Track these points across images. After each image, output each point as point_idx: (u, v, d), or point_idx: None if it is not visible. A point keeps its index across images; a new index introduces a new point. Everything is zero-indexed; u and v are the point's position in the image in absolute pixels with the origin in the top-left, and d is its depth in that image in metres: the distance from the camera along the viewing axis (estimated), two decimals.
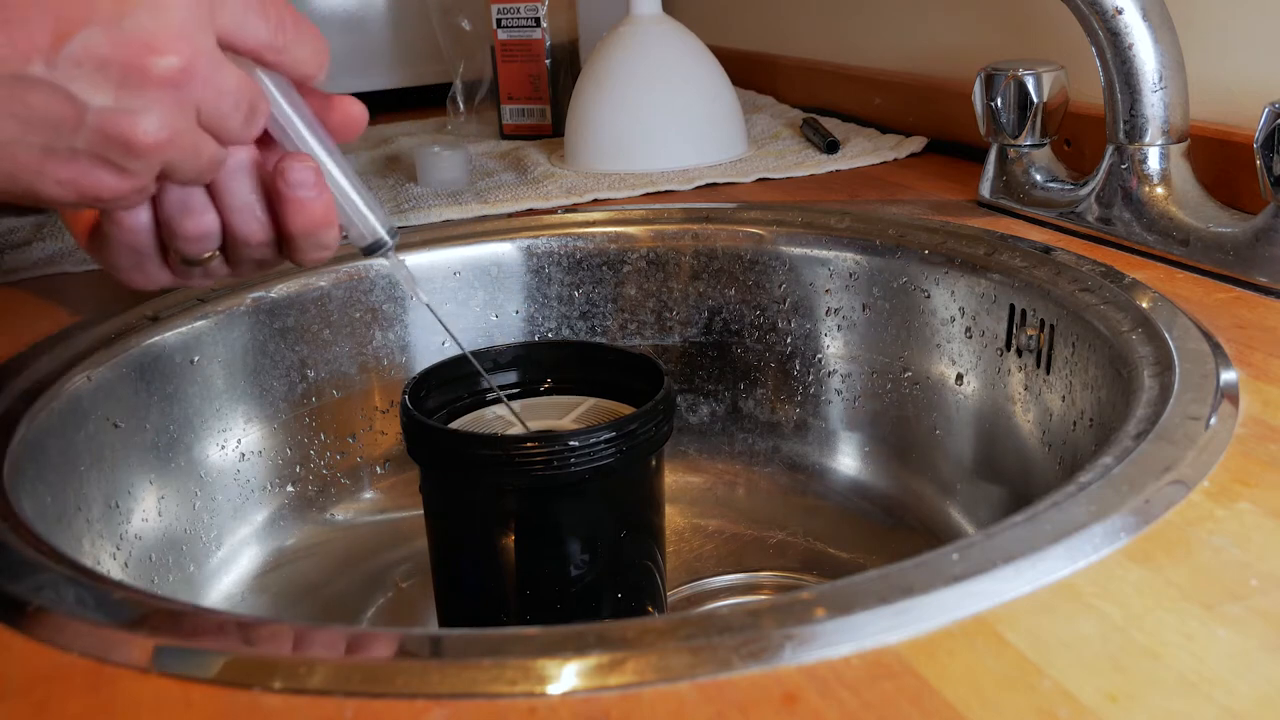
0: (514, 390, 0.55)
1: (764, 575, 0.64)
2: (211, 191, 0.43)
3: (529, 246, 0.74)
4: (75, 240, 0.49)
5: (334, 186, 0.45)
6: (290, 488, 0.68)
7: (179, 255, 0.45)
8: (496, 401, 0.54)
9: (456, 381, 0.54)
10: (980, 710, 0.28)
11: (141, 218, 0.43)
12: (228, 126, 0.41)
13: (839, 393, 0.71)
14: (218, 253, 0.45)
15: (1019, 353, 0.61)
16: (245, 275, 0.48)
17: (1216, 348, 0.48)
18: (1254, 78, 0.65)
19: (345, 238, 0.47)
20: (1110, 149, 0.62)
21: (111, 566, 0.54)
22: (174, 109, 0.38)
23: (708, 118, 0.90)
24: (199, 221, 0.43)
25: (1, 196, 0.39)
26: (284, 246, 0.46)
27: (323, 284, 0.69)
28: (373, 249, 0.47)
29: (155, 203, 0.43)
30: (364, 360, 0.71)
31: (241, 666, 0.31)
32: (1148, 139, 0.60)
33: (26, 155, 0.37)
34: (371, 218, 0.47)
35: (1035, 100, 0.68)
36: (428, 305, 0.50)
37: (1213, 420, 0.42)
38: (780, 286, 0.72)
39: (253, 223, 0.44)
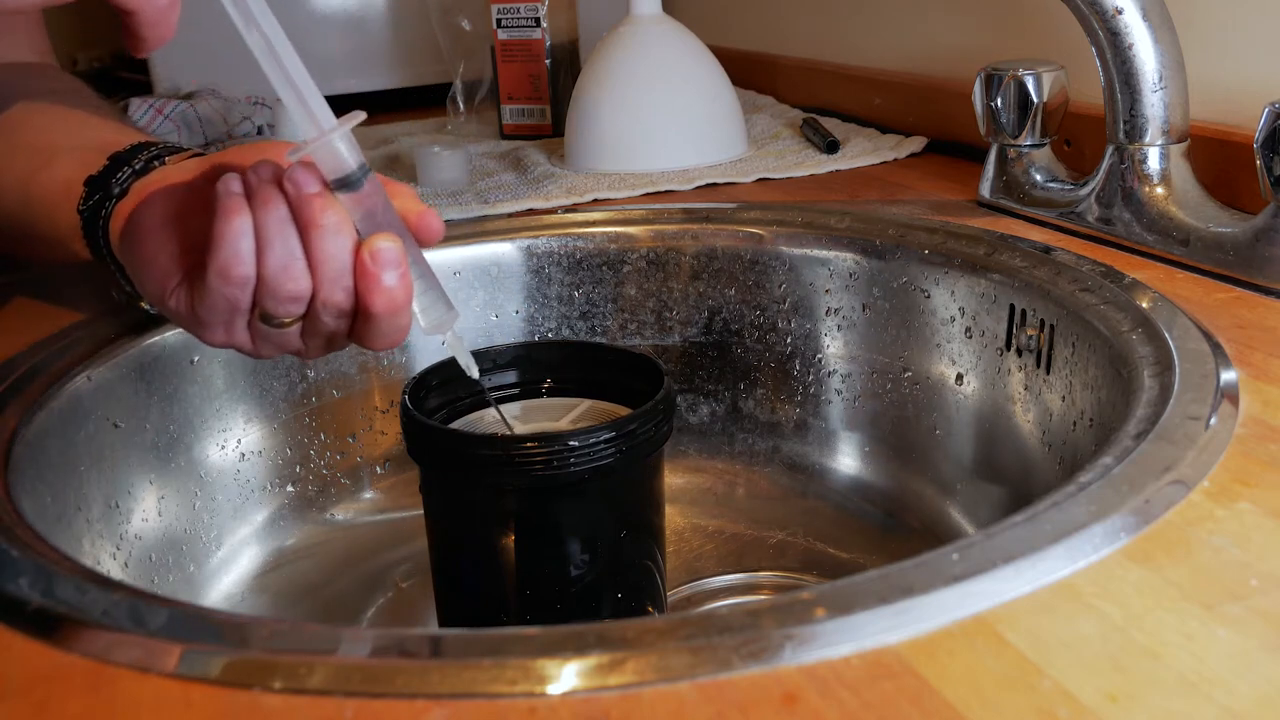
0: (513, 390, 0.55)
1: (764, 575, 0.64)
2: (310, 258, 0.44)
3: (529, 246, 0.74)
4: (152, 295, 0.49)
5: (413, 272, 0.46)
6: (290, 488, 0.68)
7: (264, 315, 0.46)
8: (493, 404, 0.54)
9: (456, 381, 0.54)
10: (980, 710, 0.28)
11: (247, 270, 0.44)
12: None
13: (839, 393, 0.71)
14: (299, 322, 0.46)
15: (1019, 353, 0.61)
16: (310, 353, 0.49)
17: (1216, 348, 0.48)
18: (1254, 78, 0.65)
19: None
20: (1110, 149, 0.62)
21: (111, 566, 0.54)
22: None
23: (708, 118, 0.90)
24: (296, 285, 0.44)
25: None
26: (360, 326, 0.46)
27: None
28: (436, 330, 0.48)
29: (259, 262, 0.44)
30: (364, 360, 0.71)
31: (241, 666, 0.31)
32: (1148, 139, 0.60)
33: None
34: (442, 303, 0.47)
35: (1035, 100, 0.68)
36: (481, 386, 0.51)
37: (1213, 420, 0.42)
38: (780, 286, 0.72)
39: (339, 293, 0.45)
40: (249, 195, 0.43)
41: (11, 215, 0.59)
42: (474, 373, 0.49)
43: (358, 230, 0.44)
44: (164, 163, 0.53)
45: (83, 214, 0.54)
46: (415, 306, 0.47)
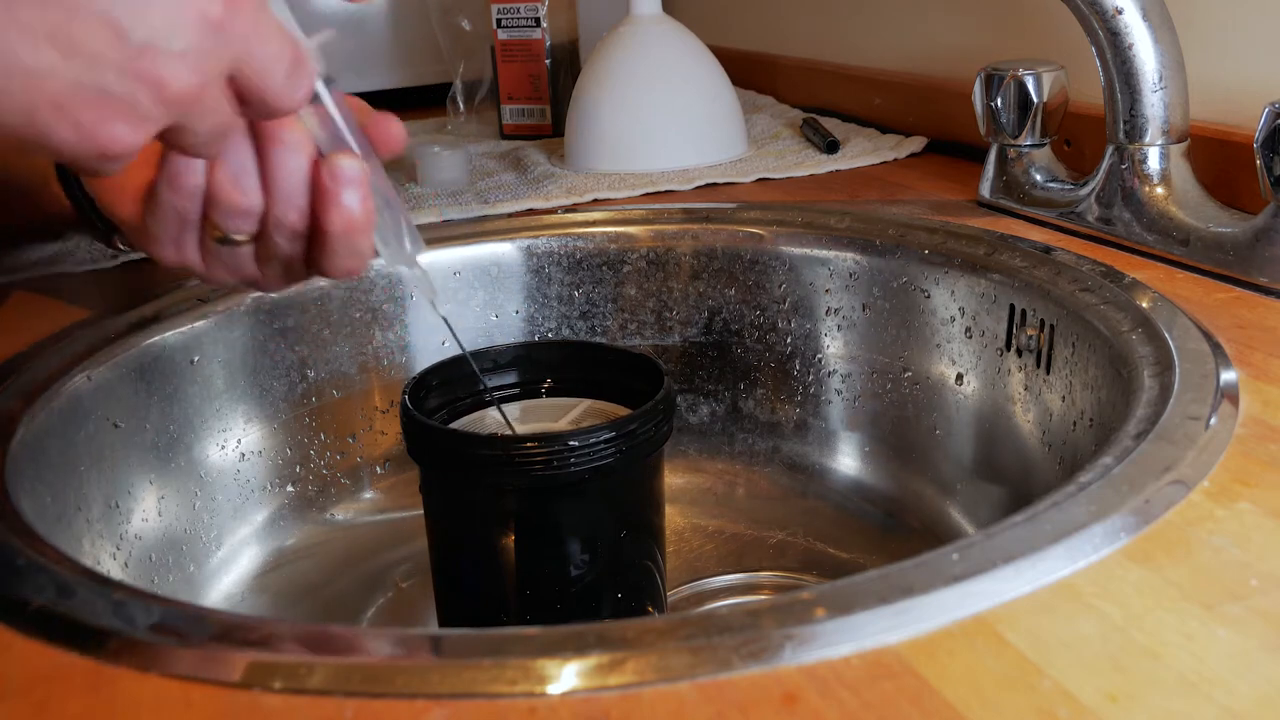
0: (513, 390, 0.55)
1: (764, 575, 0.64)
2: (263, 172, 0.43)
3: (529, 246, 0.74)
4: (106, 207, 0.47)
5: (374, 192, 0.45)
6: (290, 488, 0.68)
7: (216, 232, 0.44)
8: (494, 403, 0.54)
9: (456, 381, 0.54)
10: (980, 710, 0.28)
11: (197, 180, 0.43)
12: (266, 85, 0.39)
13: (839, 393, 0.71)
14: (250, 242, 0.45)
15: (1019, 353, 0.61)
16: (270, 282, 0.47)
17: (1216, 348, 0.48)
18: (1254, 78, 0.65)
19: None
20: (1110, 149, 0.62)
21: (111, 566, 0.54)
22: (211, 56, 0.37)
23: (708, 118, 0.90)
24: (246, 197, 0.43)
25: (4, 135, 0.36)
26: (317, 250, 0.45)
27: (323, 284, 0.69)
28: (399, 262, 0.47)
29: (209, 171, 0.43)
30: (364, 360, 0.71)
31: (242, 666, 0.31)
32: (1148, 139, 0.60)
33: (55, 88, 0.35)
34: (406, 234, 0.46)
35: (1035, 100, 0.68)
36: (445, 319, 0.50)
37: (1213, 420, 0.42)
38: (780, 286, 0.72)
39: (293, 213, 0.43)
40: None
41: None
42: (439, 309, 0.48)
43: (319, 149, 0.43)
44: None
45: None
46: (377, 237, 0.45)
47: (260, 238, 0.45)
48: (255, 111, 0.40)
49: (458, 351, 0.52)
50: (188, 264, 0.46)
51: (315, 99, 0.42)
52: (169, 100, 0.36)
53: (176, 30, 0.36)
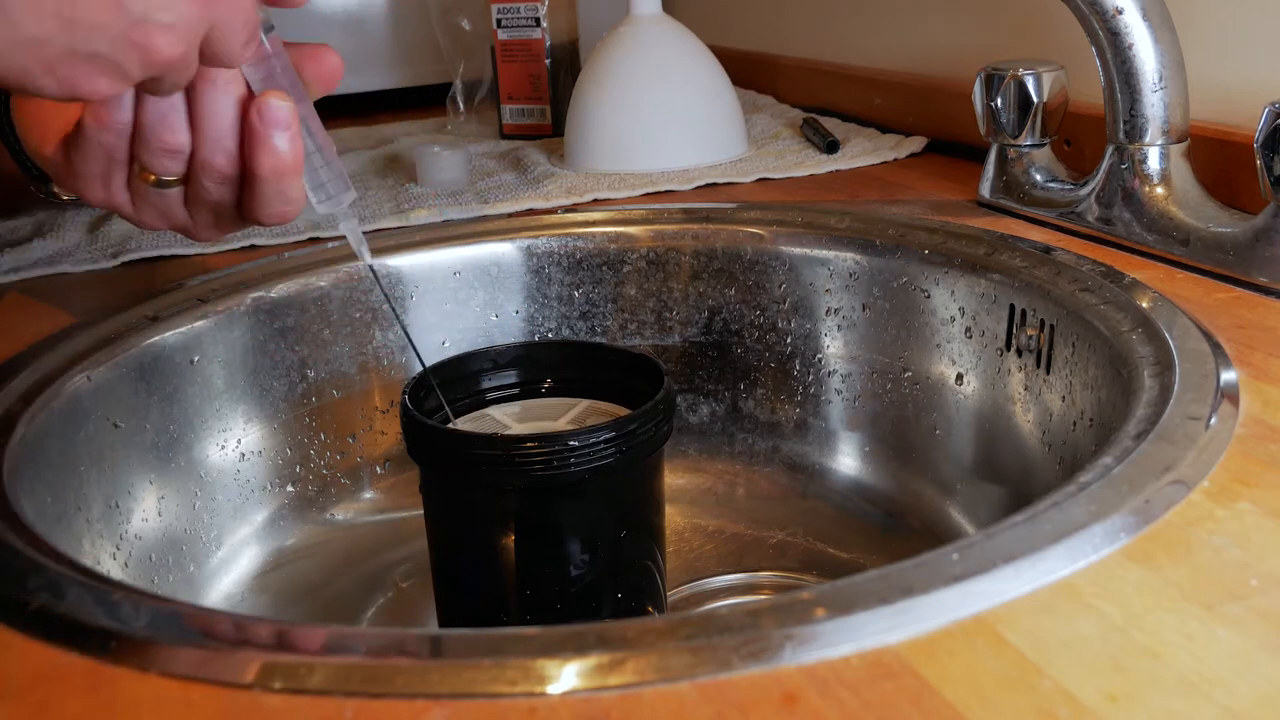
0: (513, 390, 0.55)
1: (764, 575, 0.64)
2: (191, 112, 0.43)
3: (529, 246, 0.74)
4: (33, 148, 0.48)
5: (305, 136, 0.44)
6: (290, 488, 0.68)
7: (144, 174, 0.44)
8: (496, 402, 0.54)
9: (457, 382, 0.54)
10: (980, 710, 0.28)
11: (125, 117, 0.43)
12: (228, 49, 0.40)
13: (839, 393, 0.71)
14: (180, 185, 0.45)
15: (1019, 353, 0.61)
16: (200, 228, 0.47)
17: (1216, 348, 0.48)
18: (1254, 78, 0.65)
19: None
20: (1110, 149, 0.62)
21: (111, 566, 0.54)
22: (196, 25, 0.39)
23: (708, 118, 0.90)
24: (174, 136, 0.43)
25: None
26: (247, 194, 0.45)
27: (323, 284, 0.69)
28: (329, 208, 0.46)
29: (136, 109, 0.43)
30: (364, 360, 0.71)
31: (242, 667, 0.31)
32: (1148, 139, 0.60)
33: (50, 53, 0.37)
34: (338, 180, 0.45)
35: (1035, 100, 0.68)
36: (372, 268, 0.50)
37: (1213, 420, 0.42)
38: (780, 286, 0.72)
39: (220, 155, 0.43)
40: None
41: None
42: (366, 258, 0.48)
43: (250, 90, 0.43)
44: None
45: None
46: (307, 181, 0.44)
47: (189, 180, 0.45)
48: (206, 64, 0.41)
49: (457, 352, 0.52)
50: (116, 205, 0.46)
51: None
52: (155, 64, 0.39)
53: (170, 3, 0.38)
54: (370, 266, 0.49)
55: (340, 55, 0.46)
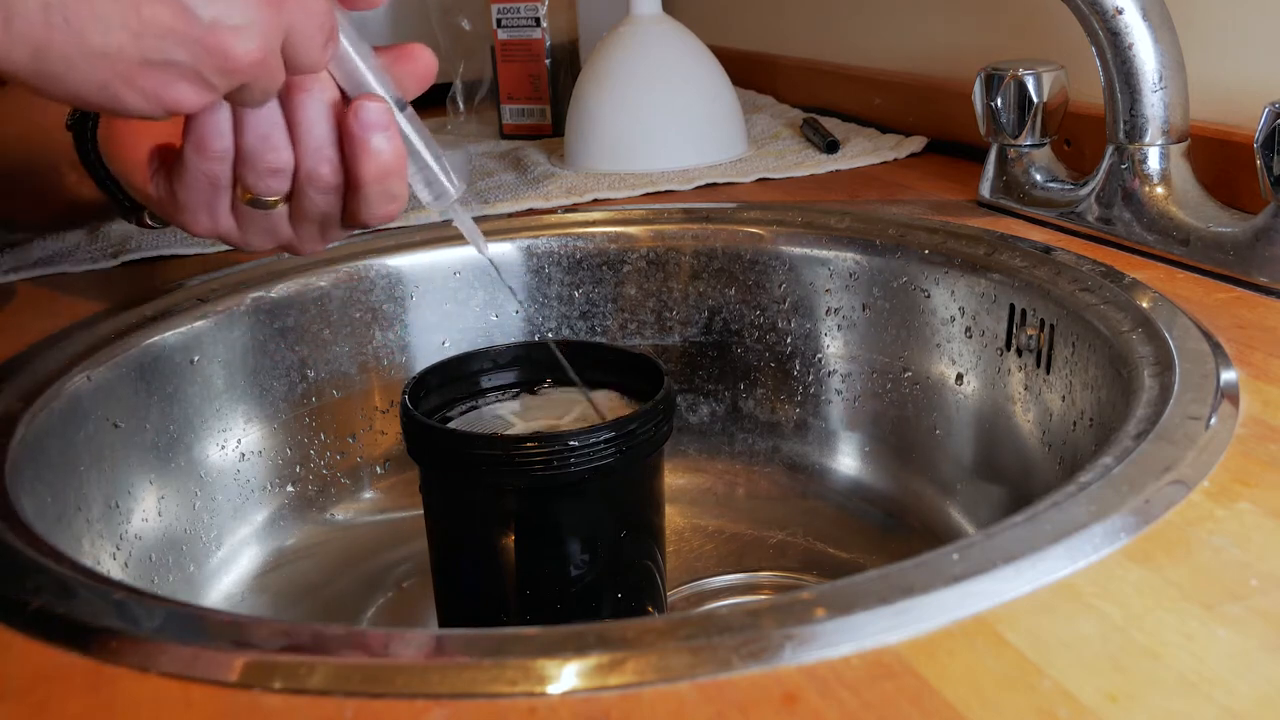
0: (513, 390, 0.55)
1: (764, 575, 0.64)
2: (290, 127, 0.43)
3: (529, 246, 0.74)
4: (125, 179, 0.47)
5: (404, 133, 0.44)
6: (290, 488, 0.68)
7: (248, 194, 0.44)
8: (497, 401, 0.54)
9: (456, 381, 0.54)
10: (980, 710, 0.28)
11: (225, 144, 0.43)
12: (308, 52, 0.40)
13: (839, 393, 0.71)
14: (283, 202, 0.45)
15: (1019, 353, 0.61)
16: (305, 242, 0.47)
17: (1216, 348, 0.48)
18: (1254, 78, 0.65)
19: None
20: (1110, 149, 0.62)
21: (111, 566, 0.54)
22: (271, 28, 0.39)
23: (708, 118, 0.90)
24: (278, 156, 0.43)
25: (78, 104, 0.39)
26: (352, 200, 0.45)
27: (323, 284, 0.69)
28: (439, 203, 0.46)
29: (236, 133, 0.43)
30: (364, 360, 0.71)
31: (242, 666, 0.31)
32: (1148, 139, 0.60)
33: (124, 66, 0.37)
34: (438, 167, 0.45)
35: (1035, 100, 0.68)
36: (491, 261, 0.50)
37: (1213, 420, 0.42)
38: (780, 286, 0.72)
39: (324, 165, 0.43)
40: None
41: (11, 153, 0.59)
42: (483, 249, 0.48)
43: (343, 94, 0.43)
44: None
45: (71, 128, 0.54)
46: (413, 179, 0.44)
47: (294, 196, 0.45)
48: (290, 72, 0.41)
49: (457, 351, 0.52)
50: (222, 233, 0.46)
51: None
52: (233, 70, 0.39)
53: (238, 8, 0.38)
54: (490, 260, 0.49)
55: (432, 52, 0.46)
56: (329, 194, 0.45)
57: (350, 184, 0.44)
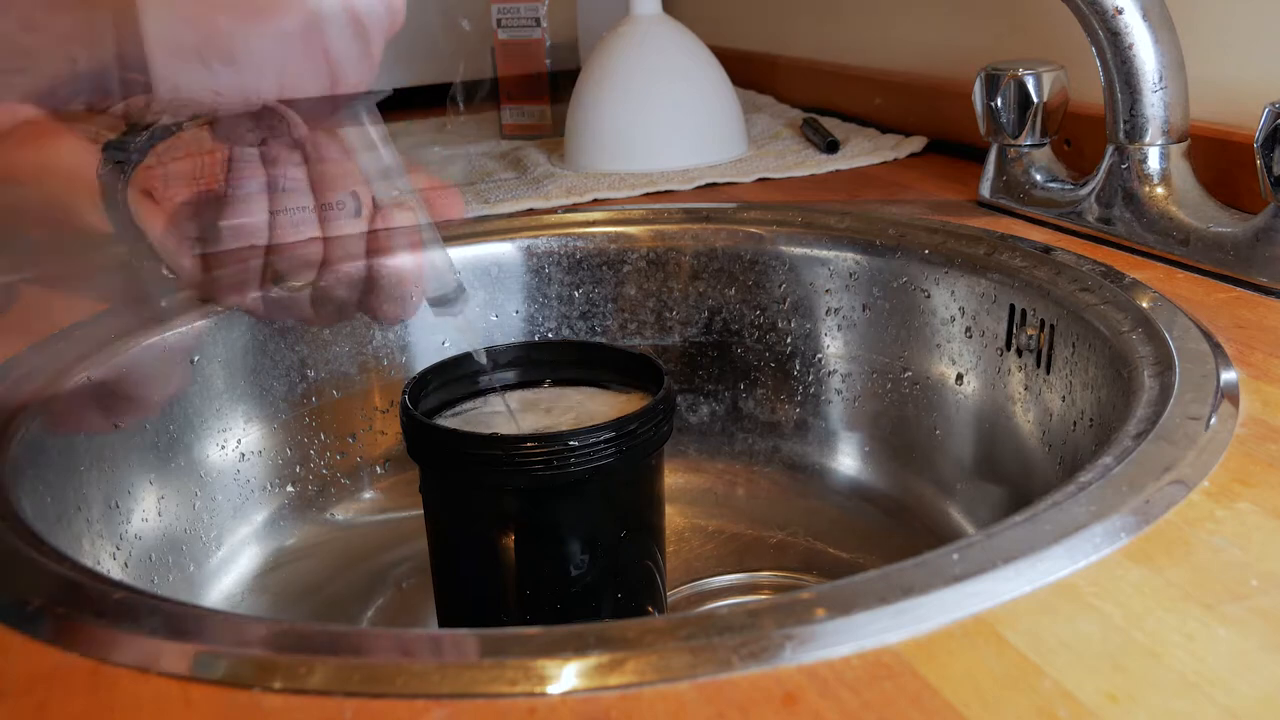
0: (513, 390, 0.55)
1: (764, 575, 0.64)
2: (322, 223, 0.46)
3: (529, 246, 0.74)
4: (162, 246, 0.49)
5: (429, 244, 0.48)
6: (290, 488, 0.68)
7: (276, 278, 0.47)
8: (497, 401, 0.54)
9: (456, 381, 0.54)
10: (980, 710, 0.28)
11: (262, 240, 0.45)
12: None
13: (839, 393, 0.71)
14: (310, 287, 0.48)
15: (1019, 353, 0.61)
16: (322, 320, 0.50)
17: (1216, 348, 0.48)
18: (1254, 78, 0.65)
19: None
20: (1110, 149, 0.62)
21: (111, 566, 0.54)
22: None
23: (708, 118, 0.90)
24: (309, 248, 0.46)
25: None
26: (367, 298, 0.48)
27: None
28: (442, 304, 0.50)
29: (272, 222, 0.45)
30: (364, 360, 0.71)
31: (241, 666, 0.31)
32: (1148, 139, 0.60)
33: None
34: (452, 283, 0.49)
35: (1035, 100, 0.68)
36: (485, 364, 0.53)
37: (1213, 420, 0.42)
38: (780, 286, 0.72)
39: (348, 262, 0.46)
40: (265, 158, 0.44)
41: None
42: (481, 357, 0.50)
43: (375, 202, 0.45)
44: (181, 127, 0.54)
45: (102, 179, 0.54)
46: (426, 286, 0.47)
47: (318, 283, 0.47)
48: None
49: (457, 351, 0.52)
50: (249, 309, 0.49)
51: (372, 146, 0.44)
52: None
53: None
54: (484, 363, 0.52)
55: (462, 197, 0.50)
56: (351, 287, 0.48)
57: (369, 281, 0.47)
